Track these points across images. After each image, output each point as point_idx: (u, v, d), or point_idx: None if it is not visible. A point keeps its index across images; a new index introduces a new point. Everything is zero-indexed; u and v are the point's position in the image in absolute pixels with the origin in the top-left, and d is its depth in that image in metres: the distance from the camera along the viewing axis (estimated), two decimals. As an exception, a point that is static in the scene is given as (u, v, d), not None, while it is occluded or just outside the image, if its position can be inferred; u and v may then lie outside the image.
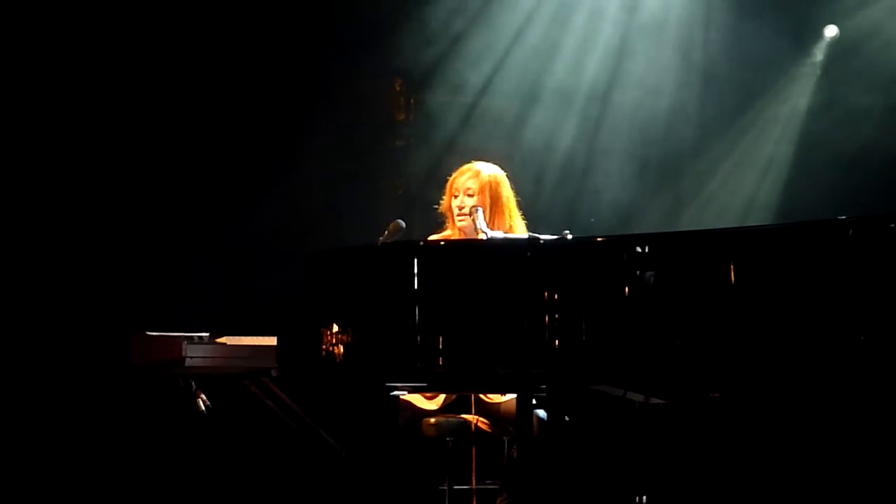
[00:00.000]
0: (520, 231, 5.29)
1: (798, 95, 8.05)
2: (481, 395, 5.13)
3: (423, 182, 7.18)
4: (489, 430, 5.14)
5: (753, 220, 7.65)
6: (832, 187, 7.60)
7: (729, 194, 8.03)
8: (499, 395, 5.14)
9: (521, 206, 5.40)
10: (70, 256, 6.66)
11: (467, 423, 5.12)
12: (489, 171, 5.37)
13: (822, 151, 7.83)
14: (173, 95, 6.99)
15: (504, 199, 5.30)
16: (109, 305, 6.56)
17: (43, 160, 6.72)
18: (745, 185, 8.05)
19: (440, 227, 5.42)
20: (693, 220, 7.86)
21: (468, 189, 5.27)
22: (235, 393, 5.44)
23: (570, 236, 4.44)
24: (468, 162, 5.44)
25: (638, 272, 4.18)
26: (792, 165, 7.97)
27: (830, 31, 7.92)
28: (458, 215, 5.26)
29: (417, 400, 5.21)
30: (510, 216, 5.31)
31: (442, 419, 5.13)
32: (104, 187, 6.83)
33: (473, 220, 5.09)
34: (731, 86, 7.95)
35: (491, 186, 5.29)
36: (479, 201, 5.24)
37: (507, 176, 5.39)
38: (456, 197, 5.30)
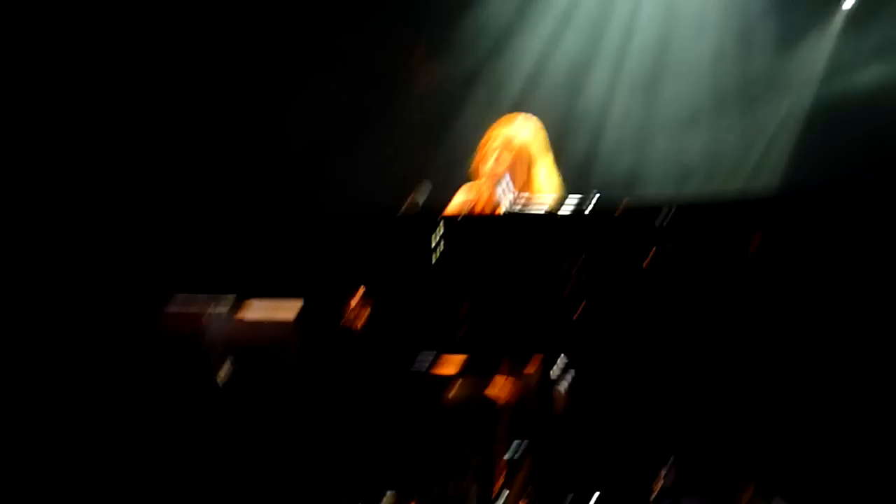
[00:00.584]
0: (551, 188, 5.19)
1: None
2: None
3: (446, 160, 6.78)
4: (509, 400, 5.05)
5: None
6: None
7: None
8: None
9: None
10: (83, 225, 6.59)
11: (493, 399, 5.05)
12: (516, 130, 5.23)
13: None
14: (204, 61, 6.90)
15: (528, 155, 5.18)
16: (133, 270, 6.50)
17: (58, 121, 6.61)
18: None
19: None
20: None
21: (494, 148, 5.16)
22: (258, 365, 5.39)
23: (596, 196, 4.37)
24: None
25: (658, 246, 4.22)
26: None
27: None
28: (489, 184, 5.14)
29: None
30: (537, 173, 5.18)
31: (465, 388, 5.04)
32: (119, 149, 6.75)
33: (496, 191, 5.01)
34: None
35: (519, 144, 5.18)
36: (513, 160, 5.13)
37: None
38: (486, 161, 5.18)
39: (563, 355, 4.53)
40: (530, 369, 5.05)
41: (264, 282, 5.17)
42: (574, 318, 4.18)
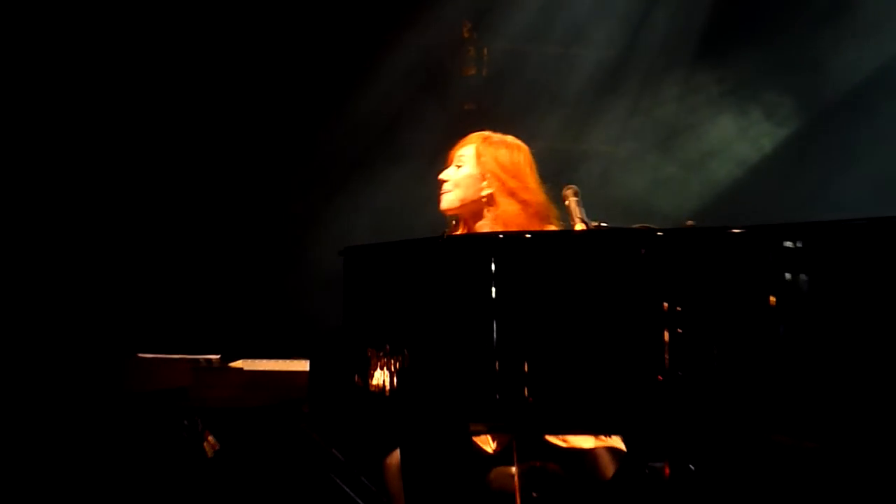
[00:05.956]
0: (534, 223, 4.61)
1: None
2: (549, 437, 4.44)
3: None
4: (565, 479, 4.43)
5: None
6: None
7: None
8: (575, 438, 4.44)
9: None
10: (53, 258, 6.39)
11: (547, 471, 4.40)
12: (491, 134, 4.72)
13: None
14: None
15: (510, 170, 4.62)
16: (102, 321, 6.21)
17: (37, 151, 6.50)
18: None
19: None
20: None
21: (458, 158, 4.67)
22: (254, 434, 5.04)
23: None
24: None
25: (788, 275, 3.53)
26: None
27: None
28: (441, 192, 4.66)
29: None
30: (521, 196, 4.61)
31: (516, 468, 4.32)
32: (97, 179, 6.59)
33: (567, 205, 4.37)
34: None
35: (487, 157, 4.63)
36: (472, 175, 4.61)
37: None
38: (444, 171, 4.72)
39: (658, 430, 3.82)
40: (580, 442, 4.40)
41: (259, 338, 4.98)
42: (676, 375, 3.49)
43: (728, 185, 7.22)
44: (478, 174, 4.62)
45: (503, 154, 4.65)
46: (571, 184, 4.44)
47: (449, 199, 4.64)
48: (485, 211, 4.61)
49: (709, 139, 7.27)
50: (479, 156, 4.65)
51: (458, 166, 4.67)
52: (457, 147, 4.74)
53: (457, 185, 4.63)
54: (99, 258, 6.55)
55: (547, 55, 6.92)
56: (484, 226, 4.60)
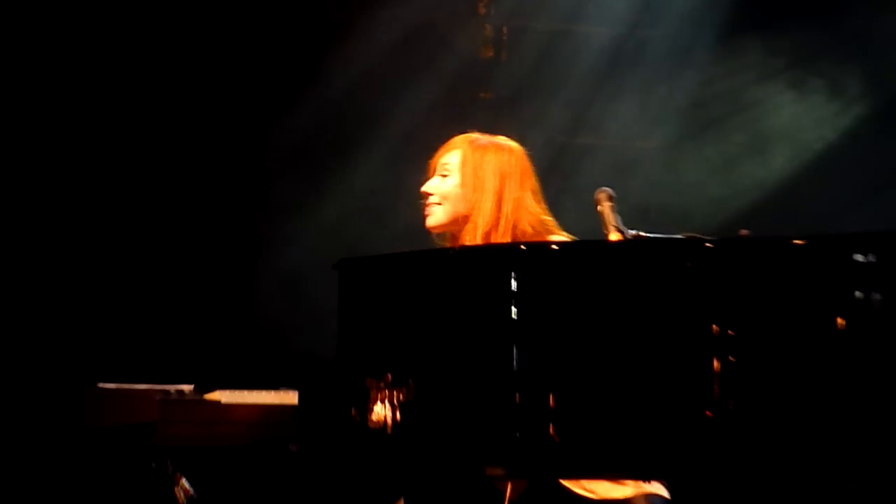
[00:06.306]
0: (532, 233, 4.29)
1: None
2: (571, 484, 4.09)
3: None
4: None
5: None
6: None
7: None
8: (607, 487, 4.09)
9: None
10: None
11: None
12: (479, 137, 4.34)
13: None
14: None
15: (502, 177, 4.26)
16: (55, 344, 6.01)
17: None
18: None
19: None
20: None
21: (441, 167, 4.31)
22: (234, 478, 4.84)
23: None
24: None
25: (859, 294, 3.24)
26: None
27: None
28: (424, 208, 4.32)
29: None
30: (518, 205, 4.26)
31: None
32: (48, 186, 6.35)
33: (600, 211, 4.03)
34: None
35: (472, 164, 4.25)
36: (457, 185, 4.24)
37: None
38: (426, 182, 4.35)
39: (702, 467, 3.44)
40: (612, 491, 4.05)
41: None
42: (727, 408, 3.17)
43: (782, 181, 6.91)
44: (468, 184, 4.26)
45: (494, 159, 4.30)
46: (605, 187, 4.09)
47: (437, 216, 4.29)
48: (477, 225, 4.24)
49: (760, 126, 6.95)
50: (465, 163, 4.30)
51: (444, 176, 4.32)
52: (440, 154, 4.40)
53: (444, 199, 4.27)
54: (51, 270, 6.28)
55: (571, 34, 6.54)
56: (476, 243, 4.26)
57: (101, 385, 4.46)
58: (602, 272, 3.32)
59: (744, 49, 6.92)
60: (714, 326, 3.21)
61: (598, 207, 4.07)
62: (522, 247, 3.49)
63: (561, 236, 4.27)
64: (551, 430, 3.24)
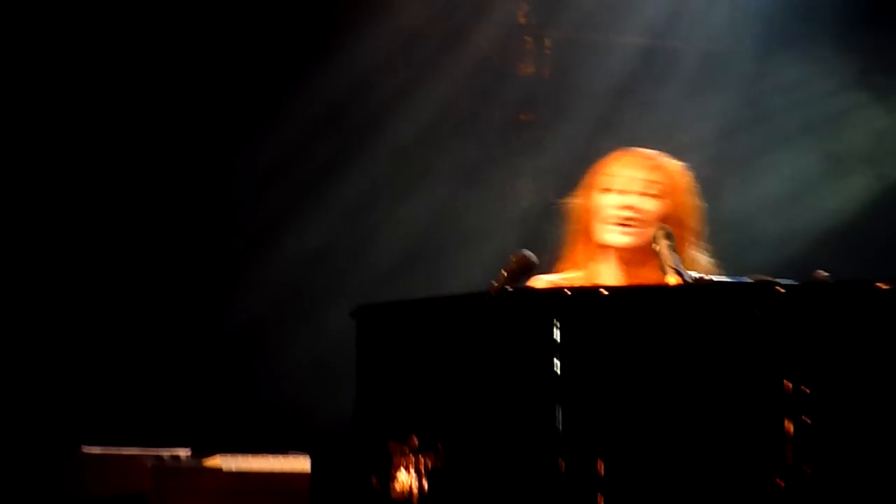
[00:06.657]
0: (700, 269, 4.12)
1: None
2: None
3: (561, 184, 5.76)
4: None
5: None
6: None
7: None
8: None
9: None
10: None
11: None
12: (678, 164, 4.13)
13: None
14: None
15: (693, 217, 4.09)
16: (33, 405, 5.75)
17: None
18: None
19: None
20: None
21: (648, 184, 4.01)
22: None
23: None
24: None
25: None
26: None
27: None
28: (623, 223, 3.98)
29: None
30: (694, 245, 4.11)
31: None
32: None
33: (657, 251, 3.76)
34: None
35: (683, 190, 4.05)
36: (665, 212, 3.97)
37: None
38: (622, 194, 4.02)
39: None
40: None
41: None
42: (804, 475, 2.99)
43: (863, 206, 6.61)
44: (671, 216, 4.05)
45: (694, 197, 4.17)
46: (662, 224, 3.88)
47: (638, 238, 4.01)
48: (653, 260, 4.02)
49: (838, 143, 6.69)
50: (677, 191, 4.11)
51: (652, 195, 4.06)
52: (649, 169, 4.13)
53: (646, 222, 4.00)
54: (25, 320, 5.99)
55: (626, 47, 6.34)
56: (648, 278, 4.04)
57: (84, 449, 4.31)
58: (658, 321, 3.16)
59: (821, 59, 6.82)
60: (786, 383, 3.05)
61: (655, 246, 3.83)
62: (567, 291, 3.25)
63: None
64: (600, 502, 3.08)
